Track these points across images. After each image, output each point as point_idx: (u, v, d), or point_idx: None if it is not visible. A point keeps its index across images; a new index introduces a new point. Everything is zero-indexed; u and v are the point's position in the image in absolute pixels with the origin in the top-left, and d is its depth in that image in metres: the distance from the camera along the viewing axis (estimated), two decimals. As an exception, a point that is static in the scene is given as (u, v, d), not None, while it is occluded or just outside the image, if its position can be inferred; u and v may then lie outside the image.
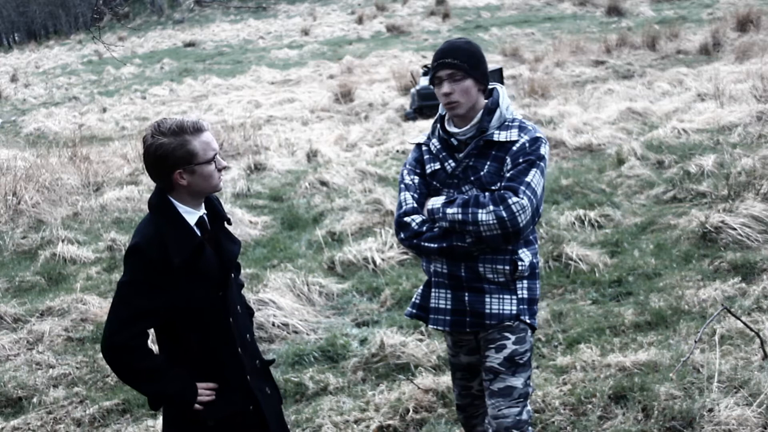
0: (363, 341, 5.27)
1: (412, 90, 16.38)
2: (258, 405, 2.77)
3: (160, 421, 4.32)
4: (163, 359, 2.69)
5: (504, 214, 2.86)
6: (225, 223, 2.82)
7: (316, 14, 39.31)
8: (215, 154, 2.64)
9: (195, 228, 2.66)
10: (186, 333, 2.68)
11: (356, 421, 4.20)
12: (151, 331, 2.72)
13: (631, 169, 8.66)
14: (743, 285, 5.25)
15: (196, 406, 2.67)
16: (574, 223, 7.18)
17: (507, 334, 3.03)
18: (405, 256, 6.86)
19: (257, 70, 26.26)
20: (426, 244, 2.99)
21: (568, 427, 3.89)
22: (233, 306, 2.76)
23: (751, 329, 4.30)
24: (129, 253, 2.60)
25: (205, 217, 2.73)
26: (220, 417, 2.70)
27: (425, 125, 13.71)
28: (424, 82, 15.79)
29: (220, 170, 2.67)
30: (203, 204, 2.73)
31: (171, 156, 2.56)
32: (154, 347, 2.78)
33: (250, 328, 2.91)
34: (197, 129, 2.60)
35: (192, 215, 2.67)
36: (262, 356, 2.93)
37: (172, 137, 2.56)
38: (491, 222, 2.87)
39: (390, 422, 4.13)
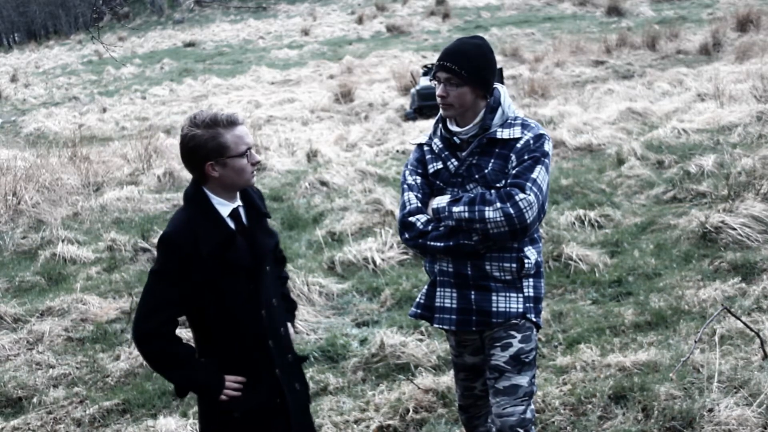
0: (363, 341, 5.27)
1: (412, 90, 16.38)
2: (285, 400, 2.78)
3: (159, 420, 4.34)
4: (190, 348, 2.73)
5: (511, 211, 2.86)
6: (262, 216, 2.83)
7: (316, 14, 39.29)
8: (248, 149, 2.66)
9: (228, 220, 2.70)
10: (216, 323, 2.71)
11: (356, 421, 4.20)
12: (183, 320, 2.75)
13: (631, 169, 8.66)
14: (743, 285, 5.24)
15: (222, 397, 2.69)
16: (574, 223, 7.18)
17: (513, 333, 3.03)
18: (405, 256, 6.86)
19: (257, 70, 26.25)
20: (432, 243, 2.99)
21: (568, 427, 3.89)
22: (266, 299, 2.77)
23: (751, 329, 4.30)
24: (160, 242, 2.65)
25: (240, 209, 2.75)
26: (246, 409, 2.71)
27: (425, 125, 13.72)
28: (424, 82, 15.79)
29: (253, 165, 2.70)
30: (238, 197, 2.76)
31: (203, 148, 2.61)
32: (187, 335, 2.81)
33: (286, 322, 2.90)
34: (231, 122, 2.64)
35: (225, 207, 2.70)
36: (296, 352, 2.93)
37: (205, 129, 2.61)
38: (498, 219, 2.87)
39: (390, 422, 4.13)
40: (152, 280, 2.67)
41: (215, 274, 2.64)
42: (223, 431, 2.76)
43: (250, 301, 2.71)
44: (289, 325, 2.96)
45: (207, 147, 2.61)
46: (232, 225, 2.70)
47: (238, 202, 2.76)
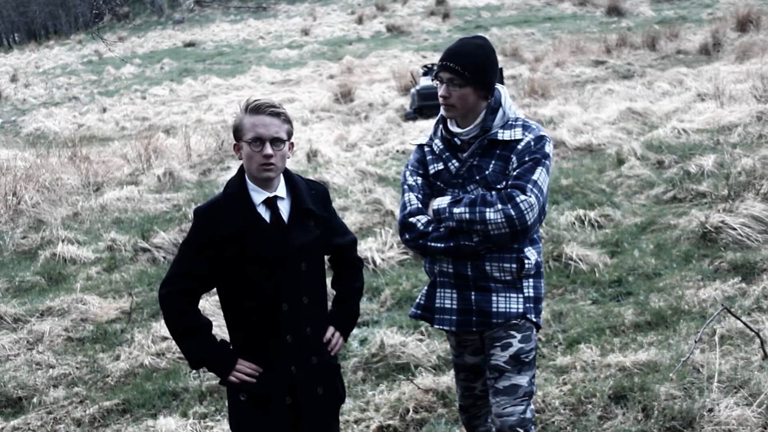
0: (363, 341, 5.27)
1: (412, 90, 16.38)
2: (296, 400, 2.75)
3: (159, 420, 4.34)
4: (206, 321, 2.78)
5: (512, 213, 2.86)
6: (305, 212, 2.77)
7: (316, 14, 39.30)
8: (256, 138, 2.64)
9: (262, 208, 2.71)
10: (234, 307, 2.76)
11: (356, 421, 4.20)
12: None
13: (631, 169, 8.66)
14: (743, 285, 5.24)
15: (231, 378, 2.73)
16: (574, 223, 7.18)
17: (513, 333, 3.03)
18: (405, 256, 6.86)
19: (257, 70, 26.27)
20: (432, 244, 2.99)
21: (568, 427, 3.89)
22: (292, 294, 2.74)
23: (751, 329, 4.29)
24: (193, 215, 2.77)
25: (280, 201, 2.74)
26: (251, 393, 2.73)
27: (425, 125, 13.72)
28: (424, 82, 15.80)
29: (265, 157, 2.64)
30: (281, 187, 2.75)
31: (232, 127, 2.75)
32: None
33: (320, 325, 2.86)
34: (254, 109, 2.68)
35: (259, 195, 2.72)
36: (327, 357, 2.86)
37: (240, 112, 2.71)
38: (499, 220, 2.87)
39: (390, 422, 4.13)
40: (179, 250, 2.80)
41: (234, 258, 2.67)
42: (231, 411, 2.83)
43: (271, 292, 2.70)
44: (334, 332, 2.91)
45: (234, 127, 2.72)
46: (266, 214, 2.70)
47: (277, 193, 2.73)
